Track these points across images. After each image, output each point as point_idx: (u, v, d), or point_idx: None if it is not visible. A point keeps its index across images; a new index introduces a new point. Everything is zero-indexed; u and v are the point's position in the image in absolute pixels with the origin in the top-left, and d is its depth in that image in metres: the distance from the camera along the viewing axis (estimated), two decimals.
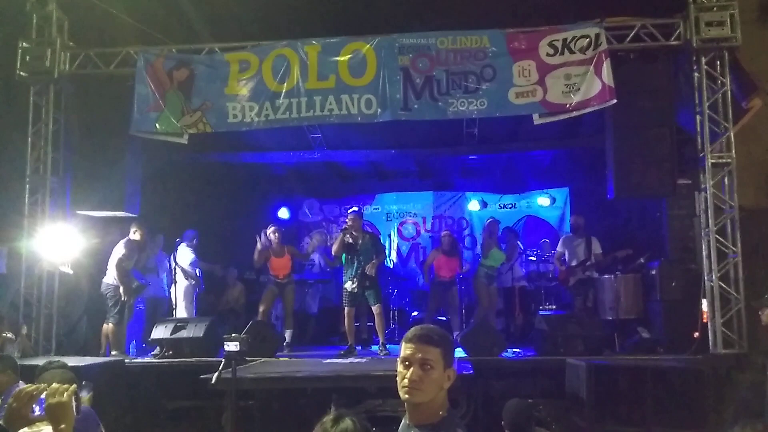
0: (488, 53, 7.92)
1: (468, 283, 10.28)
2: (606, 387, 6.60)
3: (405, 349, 2.33)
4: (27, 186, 8.42)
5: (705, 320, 7.60)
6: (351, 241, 8.52)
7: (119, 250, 8.39)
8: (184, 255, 9.64)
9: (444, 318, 10.10)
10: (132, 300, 8.58)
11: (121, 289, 8.29)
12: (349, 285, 8.43)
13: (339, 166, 12.19)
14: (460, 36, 7.99)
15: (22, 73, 8.48)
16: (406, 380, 2.27)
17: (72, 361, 6.90)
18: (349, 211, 8.96)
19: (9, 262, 8.79)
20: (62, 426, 2.17)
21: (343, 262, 8.65)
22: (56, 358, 5.34)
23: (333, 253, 9.05)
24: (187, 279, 9.60)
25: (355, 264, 8.45)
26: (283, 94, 8.16)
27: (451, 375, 2.33)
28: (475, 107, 7.94)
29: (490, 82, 7.90)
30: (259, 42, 8.35)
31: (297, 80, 8.14)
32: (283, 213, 12.33)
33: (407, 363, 2.29)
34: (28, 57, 8.48)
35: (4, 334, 7.18)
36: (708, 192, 7.63)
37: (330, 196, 12.87)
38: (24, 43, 8.50)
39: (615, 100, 7.60)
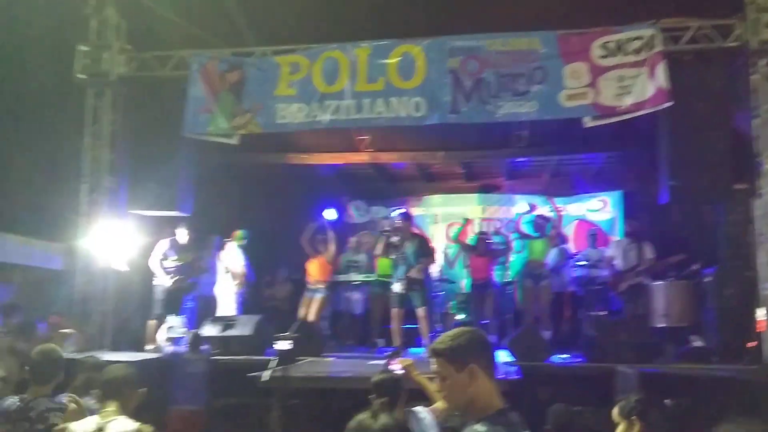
0: (539, 55, 7.84)
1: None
2: (657, 396, 6.46)
3: None
4: (85, 186, 8.68)
5: (760, 329, 7.37)
6: (397, 243, 8.53)
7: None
8: (235, 255, 9.79)
9: (485, 321, 10.05)
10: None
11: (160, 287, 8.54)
12: (396, 287, 8.46)
13: (386, 168, 12.22)
14: (511, 38, 7.94)
15: (80, 75, 8.75)
16: None
17: (126, 357, 7.13)
18: (396, 213, 8.97)
19: (66, 259, 9.07)
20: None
21: (391, 264, 8.69)
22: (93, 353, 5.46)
23: (375, 254, 9.09)
24: (234, 278, 9.74)
25: (403, 266, 8.46)
26: (331, 96, 8.22)
27: (473, 371, 2.30)
28: (525, 110, 7.87)
29: (541, 85, 7.82)
30: (309, 45, 8.44)
31: (346, 82, 8.19)
32: (330, 214, 12.40)
33: None
34: (86, 60, 8.74)
35: (63, 330, 7.42)
36: (764, 197, 7.40)
37: (377, 197, 12.91)
38: (82, 47, 8.76)
39: (670, 103, 7.44)
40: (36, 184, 9.32)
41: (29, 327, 7.44)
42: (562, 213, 10.15)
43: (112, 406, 3.37)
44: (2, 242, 9.68)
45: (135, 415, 3.46)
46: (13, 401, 3.80)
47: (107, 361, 5.13)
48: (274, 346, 5.54)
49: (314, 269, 9.63)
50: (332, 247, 9.70)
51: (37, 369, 3.91)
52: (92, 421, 3.37)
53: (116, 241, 8.48)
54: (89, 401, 4.40)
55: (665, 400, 3.57)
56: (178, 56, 8.64)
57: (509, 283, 10.90)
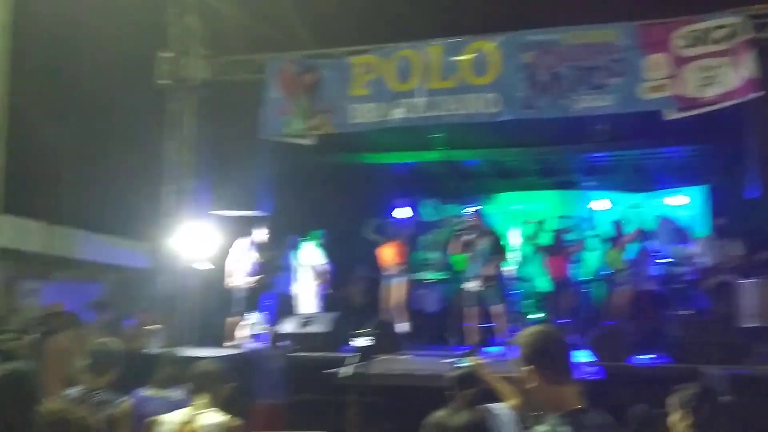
0: (617, 47, 7.65)
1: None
2: (747, 398, 6.18)
3: None
4: (168, 187, 9.01)
5: None
6: (470, 240, 8.49)
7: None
8: (312, 253, 9.94)
9: (565, 320, 9.87)
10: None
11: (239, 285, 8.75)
12: (470, 284, 8.41)
13: (459, 166, 12.15)
14: (588, 30, 7.78)
15: (162, 81, 9.09)
16: None
17: (209, 352, 7.36)
18: (469, 210, 8.92)
19: (151, 258, 9.44)
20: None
21: (465, 261, 8.64)
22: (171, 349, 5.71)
23: (449, 252, 9.08)
24: (313, 277, 9.90)
25: (475, 264, 8.40)
26: (404, 95, 8.27)
27: (531, 372, 2.34)
28: (603, 103, 7.71)
29: (619, 77, 7.63)
30: (382, 45, 8.50)
31: (419, 80, 8.22)
32: (404, 212, 12.42)
33: None
34: (167, 66, 9.07)
35: (150, 326, 7.74)
36: None
37: (450, 195, 12.84)
38: (163, 53, 9.09)
39: (760, 93, 7.10)
40: (123, 186, 9.74)
41: (116, 323, 7.80)
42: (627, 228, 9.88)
43: (202, 399, 3.50)
44: (93, 242, 10.19)
45: (223, 408, 3.57)
46: (77, 390, 3.96)
47: (188, 356, 5.31)
48: (353, 342, 5.60)
49: (390, 254, 9.64)
50: (407, 232, 9.72)
51: (94, 360, 4.03)
52: (183, 412, 3.51)
53: (198, 240, 8.77)
54: (173, 392, 4.59)
55: (722, 397, 3.41)
56: (255, 60, 8.87)
57: (587, 281, 10.67)
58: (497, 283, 8.51)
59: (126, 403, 3.93)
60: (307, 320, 8.51)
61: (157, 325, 7.95)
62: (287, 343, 7.96)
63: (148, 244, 9.64)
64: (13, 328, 6.91)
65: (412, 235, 10.02)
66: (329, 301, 10.41)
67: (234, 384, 3.68)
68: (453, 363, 5.38)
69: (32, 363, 3.55)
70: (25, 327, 7.26)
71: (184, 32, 9.13)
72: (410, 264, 9.95)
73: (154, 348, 7.76)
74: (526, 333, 2.44)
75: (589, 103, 7.73)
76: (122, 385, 4.20)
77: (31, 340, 6.65)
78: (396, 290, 9.49)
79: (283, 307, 9.98)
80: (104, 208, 9.88)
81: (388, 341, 8.21)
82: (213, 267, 9.04)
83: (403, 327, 9.34)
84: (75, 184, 9.57)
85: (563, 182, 12.47)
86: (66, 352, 5.89)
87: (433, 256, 11.36)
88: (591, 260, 10.93)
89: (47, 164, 9.53)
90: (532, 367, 2.34)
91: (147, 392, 4.62)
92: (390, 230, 9.83)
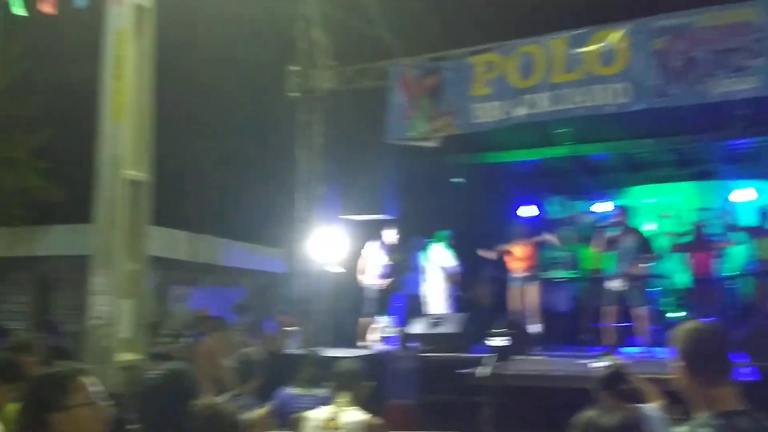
0: (758, 26, 7.14)
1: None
2: None
3: None
4: (300, 195, 9.41)
5: None
6: (614, 238, 8.23)
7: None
8: (441, 255, 10.01)
9: (709, 319, 9.32)
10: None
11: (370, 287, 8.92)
12: (613, 283, 8.12)
13: (587, 160, 11.78)
14: (724, 11, 7.32)
15: (291, 94, 9.50)
16: None
17: (344, 353, 7.58)
18: (607, 207, 8.67)
19: (287, 263, 9.89)
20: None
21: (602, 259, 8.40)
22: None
23: (594, 249, 8.84)
24: (442, 277, 9.95)
25: (620, 262, 8.12)
26: (527, 91, 8.14)
27: (680, 369, 2.26)
28: (744, 86, 7.22)
29: (761, 58, 7.12)
30: (503, 42, 8.43)
31: (542, 75, 8.06)
32: (529, 211, 12.21)
33: None
34: (296, 79, 9.48)
35: (288, 328, 8.11)
36: None
37: (577, 191, 12.46)
38: (292, 66, 9.51)
39: None
40: (259, 196, 10.29)
41: (257, 325, 8.22)
42: None
43: (344, 397, 3.64)
44: (233, 249, 10.80)
45: (363, 406, 3.70)
46: (224, 396, 4.12)
47: (328, 356, 5.50)
48: (488, 342, 5.60)
49: (518, 257, 9.51)
50: (537, 232, 9.54)
51: (239, 368, 4.30)
52: (327, 409, 3.66)
53: (330, 244, 9.08)
54: (318, 390, 4.79)
55: None
56: (378, 67, 9.08)
57: (733, 276, 10.03)
58: (641, 283, 8.16)
59: (264, 408, 4.13)
60: (437, 321, 8.56)
61: (295, 327, 8.30)
62: (417, 343, 8.05)
63: (284, 250, 10.09)
64: (168, 332, 7.48)
65: (541, 236, 9.78)
66: (458, 301, 10.42)
67: (373, 383, 3.79)
68: (590, 363, 5.25)
69: (187, 363, 3.82)
70: (178, 330, 7.84)
71: (311, 45, 9.49)
72: (540, 265, 9.75)
73: (293, 348, 8.11)
74: (681, 329, 2.33)
75: (729, 87, 7.27)
76: (267, 385, 4.44)
77: (184, 343, 7.18)
78: (527, 294, 9.35)
79: (413, 307, 10.10)
80: (243, 218, 10.48)
81: (520, 342, 8.10)
82: (344, 270, 9.32)
83: (534, 328, 9.18)
84: (216, 196, 10.21)
85: (701, 172, 11.77)
86: (214, 353, 6.28)
87: (562, 254, 11.09)
88: (736, 254, 10.26)
89: (191, 178, 10.23)
90: (685, 365, 2.25)
91: (293, 390, 4.86)
92: (517, 232, 9.66)
